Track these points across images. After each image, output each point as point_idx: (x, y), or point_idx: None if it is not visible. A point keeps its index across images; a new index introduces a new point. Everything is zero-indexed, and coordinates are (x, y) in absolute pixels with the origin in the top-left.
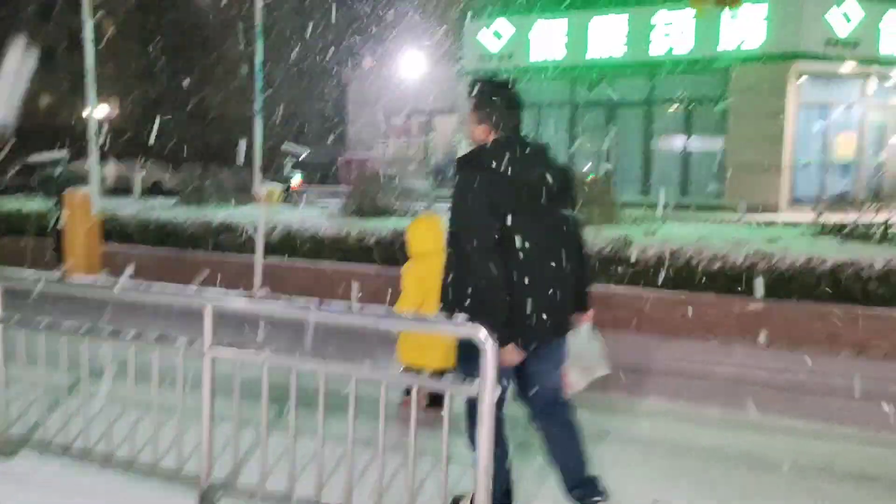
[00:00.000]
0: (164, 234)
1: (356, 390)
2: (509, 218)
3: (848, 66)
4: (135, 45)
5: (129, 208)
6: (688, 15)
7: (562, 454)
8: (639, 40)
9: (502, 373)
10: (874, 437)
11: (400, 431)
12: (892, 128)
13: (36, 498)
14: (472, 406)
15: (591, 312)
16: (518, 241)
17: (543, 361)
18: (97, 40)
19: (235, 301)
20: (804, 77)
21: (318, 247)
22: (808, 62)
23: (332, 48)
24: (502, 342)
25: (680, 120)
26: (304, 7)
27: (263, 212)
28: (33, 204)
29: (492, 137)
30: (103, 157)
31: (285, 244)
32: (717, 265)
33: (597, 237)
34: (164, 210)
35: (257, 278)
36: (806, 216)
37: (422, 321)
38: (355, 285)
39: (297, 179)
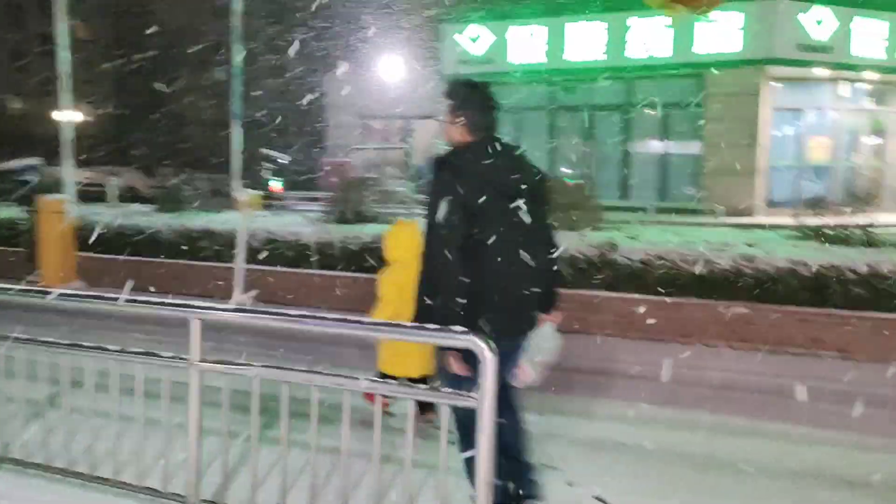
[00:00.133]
0: (141, 242)
1: (349, 402)
2: (481, 218)
3: (821, 71)
4: (109, 50)
5: (104, 215)
6: (663, 20)
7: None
8: (616, 45)
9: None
10: (864, 441)
11: (394, 443)
12: (864, 131)
13: None
14: (463, 418)
15: (557, 313)
16: (489, 240)
17: (504, 358)
18: (72, 45)
19: (224, 313)
20: (778, 82)
21: (301, 253)
22: (781, 67)
23: (311, 53)
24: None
25: (657, 124)
26: (281, 11)
27: (244, 218)
28: (8, 211)
29: (468, 139)
30: (78, 163)
31: (267, 250)
32: (702, 269)
33: (581, 241)
34: (141, 217)
35: (238, 285)
36: (782, 219)
37: (420, 333)
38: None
39: (276, 185)
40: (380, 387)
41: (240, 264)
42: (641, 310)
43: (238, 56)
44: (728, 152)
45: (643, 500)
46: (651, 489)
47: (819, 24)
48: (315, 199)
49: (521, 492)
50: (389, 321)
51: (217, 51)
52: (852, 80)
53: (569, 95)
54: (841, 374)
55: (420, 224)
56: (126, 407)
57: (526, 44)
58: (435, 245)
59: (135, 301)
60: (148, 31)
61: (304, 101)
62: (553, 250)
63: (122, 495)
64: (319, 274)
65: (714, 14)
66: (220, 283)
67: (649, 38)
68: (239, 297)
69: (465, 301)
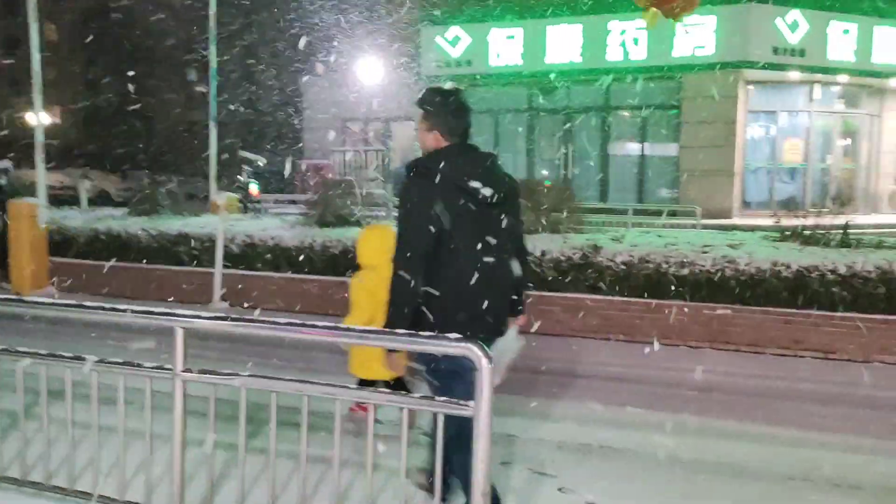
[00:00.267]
0: (115, 246)
1: (339, 411)
2: (455, 223)
3: (795, 74)
4: (81, 51)
5: (77, 219)
6: (641, 24)
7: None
8: (595, 48)
9: (464, 375)
10: (851, 443)
11: (386, 451)
12: (837, 133)
13: None
14: (456, 426)
15: (523, 318)
16: (462, 245)
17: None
18: (43, 46)
19: (209, 322)
20: (753, 85)
21: (281, 257)
22: (757, 70)
23: (288, 54)
24: None
25: (636, 127)
26: (258, 13)
27: (222, 221)
28: None
29: (442, 144)
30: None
31: (246, 255)
32: (685, 271)
33: (564, 244)
34: (114, 221)
35: (217, 290)
36: (757, 220)
37: (414, 340)
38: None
39: (254, 188)
40: (373, 396)
41: (218, 269)
42: (625, 312)
43: (214, 58)
44: (705, 155)
45: None
46: (643, 493)
47: (793, 27)
48: (293, 202)
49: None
50: (371, 328)
51: (190, 52)
52: (826, 83)
53: (548, 98)
54: (824, 374)
55: (393, 228)
56: (107, 417)
57: (506, 46)
58: (404, 250)
59: (115, 309)
60: (119, 33)
61: (282, 103)
62: (524, 257)
63: None
64: (301, 278)
65: (690, 19)
66: (197, 287)
67: (628, 41)
68: (219, 302)
69: (415, 306)
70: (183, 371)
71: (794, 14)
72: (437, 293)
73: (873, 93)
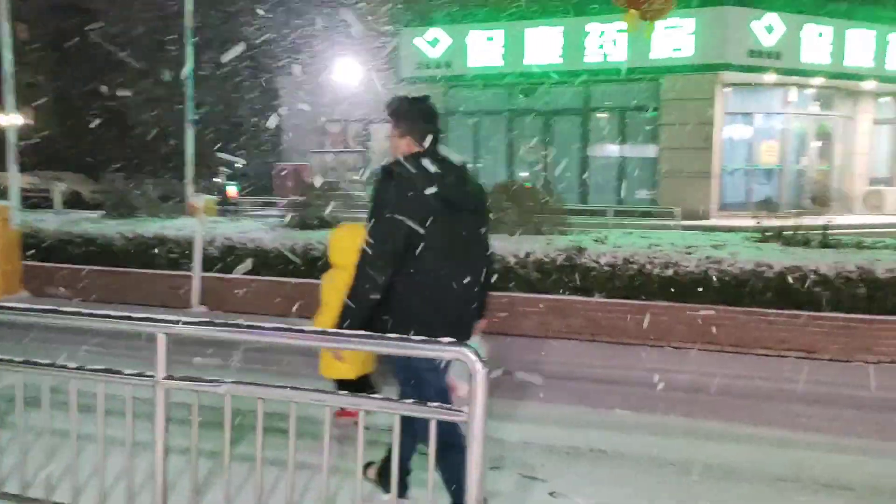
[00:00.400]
0: (90, 250)
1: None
2: (426, 226)
3: (771, 77)
4: (52, 51)
5: (51, 222)
6: (620, 26)
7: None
8: (574, 50)
9: (435, 375)
10: (838, 443)
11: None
12: (811, 135)
13: None
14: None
15: (484, 322)
16: (432, 249)
17: (443, 365)
18: (14, 45)
19: (192, 327)
20: (730, 87)
21: (262, 260)
22: (733, 73)
23: (265, 56)
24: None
25: (615, 128)
26: (235, 14)
27: (199, 224)
28: None
29: (415, 149)
30: (21, 168)
31: (225, 258)
32: (669, 272)
33: (548, 246)
34: (89, 223)
35: (196, 294)
36: (736, 221)
37: (404, 345)
38: None
39: (232, 190)
40: (364, 402)
41: (197, 272)
42: (609, 313)
43: (190, 58)
44: (683, 156)
45: None
46: (635, 497)
47: (769, 30)
48: (272, 205)
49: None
50: (362, 332)
51: (165, 52)
52: (800, 86)
53: (527, 99)
54: (808, 374)
55: (364, 228)
56: (85, 425)
57: (485, 48)
58: (374, 248)
59: (93, 314)
60: (92, 33)
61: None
62: (490, 264)
63: None
64: (282, 281)
65: (668, 21)
66: (175, 291)
67: (607, 43)
68: (197, 306)
69: (373, 304)
70: (165, 378)
71: (770, 17)
72: (403, 295)
73: (846, 95)
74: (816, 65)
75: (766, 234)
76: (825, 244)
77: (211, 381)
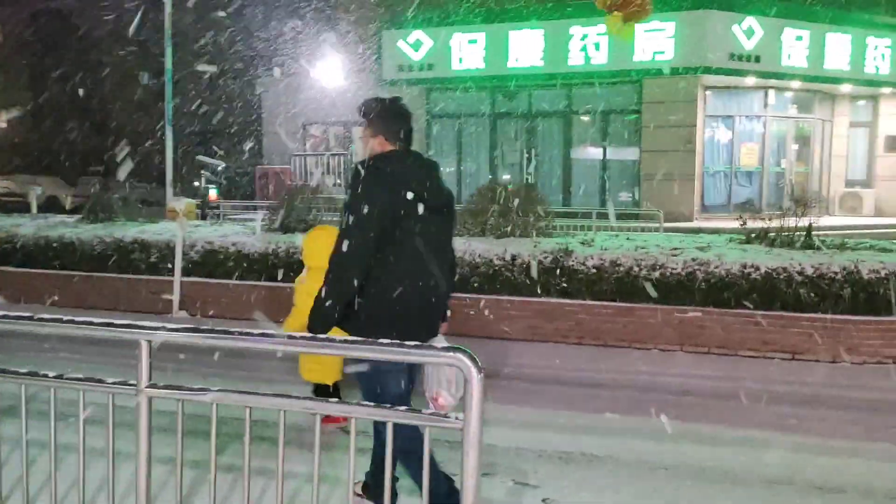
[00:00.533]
0: (68, 255)
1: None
2: (400, 223)
3: (751, 80)
4: (27, 54)
5: (27, 226)
6: (602, 29)
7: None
8: (557, 53)
9: (397, 375)
10: (830, 445)
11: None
12: (791, 138)
13: None
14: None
15: (445, 325)
16: (404, 246)
17: (410, 366)
18: None
19: (175, 334)
20: (711, 90)
21: (242, 265)
22: (714, 76)
23: (245, 57)
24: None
25: (598, 130)
26: (215, 15)
27: (181, 228)
28: None
29: (387, 148)
30: None
31: (207, 263)
32: (656, 274)
33: (535, 248)
34: (67, 228)
35: (177, 299)
36: (718, 223)
37: (398, 350)
38: None
39: (212, 193)
40: (355, 410)
41: (177, 277)
42: (596, 316)
43: (169, 59)
44: (665, 158)
45: None
46: (629, 503)
47: (749, 34)
48: (253, 208)
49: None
50: (353, 337)
51: (144, 54)
52: (780, 89)
53: (510, 102)
54: (795, 375)
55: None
56: (65, 435)
57: (468, 50)
58: (350, 244)
59: (73, 321)
60: (71, 36)
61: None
62: (454, 266)
63: None
64: (265, 285)
65: (649, 24)
66: (156, 297)
67: (590, 46)
68: (178, 311)
69: (344, 306)
70: (148, 386)
71: (750, 21)
72: (374, 293)
73: (825, 98)
74: (795, 68)
75: (751, 235)
76: (809, 245)
77: (196, 389)
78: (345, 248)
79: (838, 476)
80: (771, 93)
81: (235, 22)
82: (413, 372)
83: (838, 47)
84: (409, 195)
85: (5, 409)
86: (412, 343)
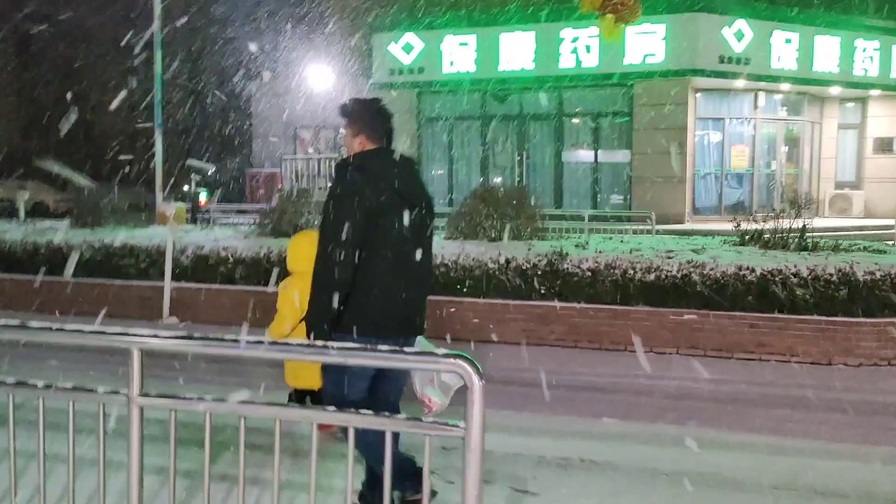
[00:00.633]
0: (57, 260)
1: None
2: (382, 220)
3: (741, 82)
4: (14, 57)
5: (15, 232)
6: (593, 31)
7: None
8: (548, 55)
9: (361, 376)
10: (829, 449)
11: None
12: (781, 140)
13: None
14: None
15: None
16: (386, 243)
17: (370, 372)
18: None
19: (168, 342)
20: (701, 92)
21: (235, 269)
22: (704, 78)
23: (235, 61)
24: (320, 338)
25: (589, 133)
26: (206, 18)
27: (171, 233)
28: None
29: (368, 147)
30: None
31: (197, 267)
32: (651, 276)
33: (528, 251)
34: (55, 233)
35: (167, 305)
36: (709, 225)
37: (399, 358)
38: None
39: (202, 197)
40: (352, 419)
41: (168, 282)
42: (592, 319)
43: (159, 63)
44: (657, 161)
45: None
46: None
47: (738, 36)
48: (243, 212)
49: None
50: (348, 343)
51: (132, 57)
52: (769, 91)
53: (501, 105)
54: (791, 378)
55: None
56: (54, 445)
57: (459, 53)
58: (337, 240)
59: (63, 329)
60: (58, 39)
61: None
62: (431, 265)
63: None
64: (257, 290)
65: (639, 27)
66: (145, 302)
67: (580, 48)
68: (168, 317)
69: (341, 303)
70: (140, 395)
71: (740, 23)
72: (356, 291)
73: (814, 100)
74: (785, 71)
75: (746, 237)
76: (803, 247)
77: (190, 398)
78: (331, 246)
79: (840, 480)
80: (761, 95)
81: (226, 26)
82: (380, 376)
83: (827, 50)
84: (389, 193)
85: None
86: (412, 350)
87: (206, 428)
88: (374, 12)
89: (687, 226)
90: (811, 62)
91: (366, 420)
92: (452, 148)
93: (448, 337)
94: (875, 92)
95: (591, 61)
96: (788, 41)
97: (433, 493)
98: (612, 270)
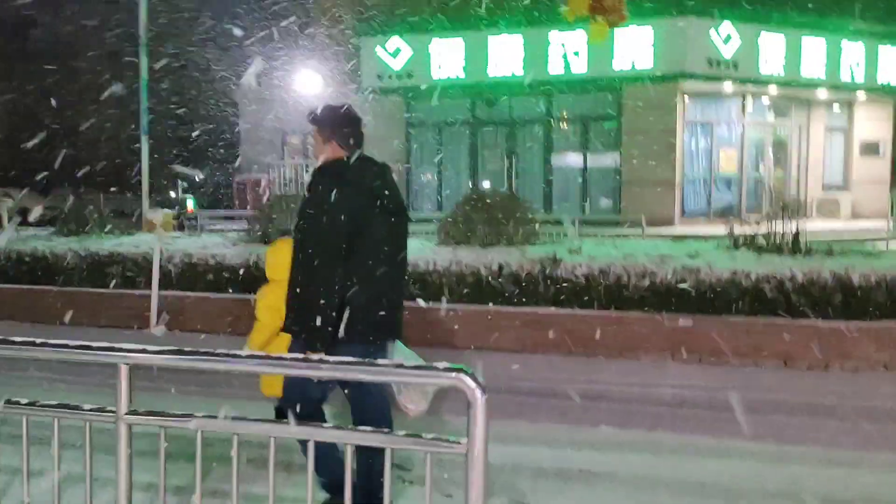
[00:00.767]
0: (41, 269)
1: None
2: (360, 224)
3: (729, 86)
4: None
5: None
6: (582, 35)
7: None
8: (536, 60)
9: (322, 383)
10: (830, 456)
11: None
12: (769, 143)
13: None
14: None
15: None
16: (367, 247)
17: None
18: None
19: (157, 357)
20: (690, 96)
21: (222, 277)
22: (692, 82)
23: (222, 66)
24: (324, 346)
25: (578, 137)
26: (192, 23)
27: (158, 240)
28: None
29: (339, 153)
30: None
31: (185, 275)
32: (646, 282)
33: (522, 257)
34: (40, 241)
35: (154, 314)
36: (699, 228)
37: (398, 371)
38: None
39: (189, 204)
40: (352, 436)
41: (155, 291)
42: (587, 326)
43: (145, 68)
44: (646, 165)
45: None
46: None
47: (727, 40)
48: (230, 218)
49: None
50: (344, 357)
51: (116, 63)
52: (757, 95)
53: (490, 109)
54: (787, 384)
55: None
56: (39, 461)
57: (448, 58)
58: (324, 245)
59: (47, 344)
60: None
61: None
62: (406, 269)
63: None
64: (247, 298)
65: (627, 31)
66: (132, 312)
67: (569, 52)
68: (156, 327)
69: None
70: (128, 413)
71: (728, 27)
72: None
73: (801, 104)
74: (772, 75)
75: (739, 241)
76: (797, 251)
77: (179, 415)
78: (319, 249)
79: (842, 489)
80: (749, 99)
81: (213, 30)
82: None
83: (814, 53)
84: (364, 197)
85: None
86: (411, 363)
87: (197, 446)
88: (362, 16)
89: (678, 230)
90: (798, 66)
91: (363, 437)
92: (440, 153)
93: (433, 345)
94: (861, 95)
95: (579, 65)
96: (776, 45)
97: None
98: (605, 276)
